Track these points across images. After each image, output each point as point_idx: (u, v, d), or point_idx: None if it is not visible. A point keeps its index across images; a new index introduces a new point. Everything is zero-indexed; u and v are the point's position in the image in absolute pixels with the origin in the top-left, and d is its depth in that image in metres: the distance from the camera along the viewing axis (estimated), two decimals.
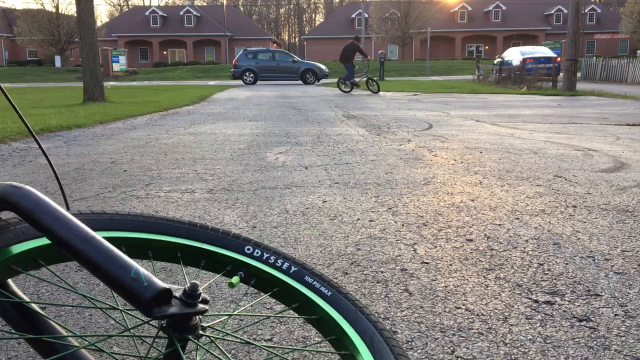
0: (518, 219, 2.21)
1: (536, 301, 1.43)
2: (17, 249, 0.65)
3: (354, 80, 14.34)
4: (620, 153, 3.89)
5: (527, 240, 1.93)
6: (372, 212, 2.34)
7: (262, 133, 5.35)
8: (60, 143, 4.76)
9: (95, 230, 0.66)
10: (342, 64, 14.48)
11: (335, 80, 25.49)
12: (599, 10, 51.07)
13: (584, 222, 2.15)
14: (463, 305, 1.41)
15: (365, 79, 13.89)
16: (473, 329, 1.28)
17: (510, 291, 1.50)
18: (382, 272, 1.65)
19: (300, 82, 23.39)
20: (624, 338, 1.24)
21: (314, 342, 1.24)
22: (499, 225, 2.13)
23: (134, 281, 0.56)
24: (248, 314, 1.36)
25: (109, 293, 1.49)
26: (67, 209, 0.68)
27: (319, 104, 9.80)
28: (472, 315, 1.35)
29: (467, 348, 1.20)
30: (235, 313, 0.80)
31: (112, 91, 14.31)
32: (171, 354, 0.62)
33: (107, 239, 0.63)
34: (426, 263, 1.72)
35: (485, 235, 2.00)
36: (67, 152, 4.19)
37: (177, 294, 0.59)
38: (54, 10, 41.92)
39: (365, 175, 3.13)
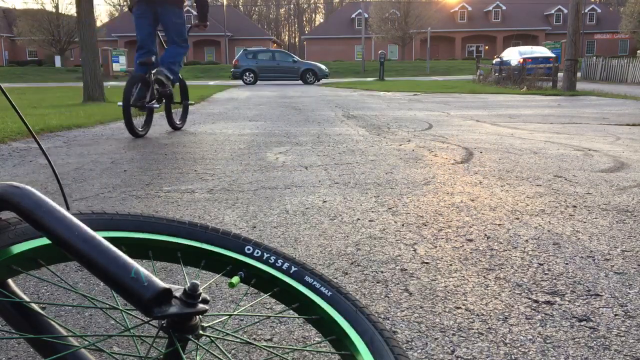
0: (518, 219, 2.21)
1: (536, 301, 1.43)
2: (17, 249, 0.65)
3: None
4: (620, 153, 3.89)
5: (527, 240, 1.93)
6: (372, 212, 2.34)
7: (262, 133, 5.35)
8: (60, 143, 4.76)
9: (95, 230, 0.66)
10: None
11: (336, 80, 25.52)
12: (599, 10, 51.07)
13: (584, 222, 2.15)
14: (463, 305, 1.41)
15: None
16: (473, 329, 1.28)
17: (510, 291, 1.50)
18: (382, 272, 1.65)
19: (300, 82, 23.40)
20: (624, 338, 1.24)
21: (314, 342, 1.24)
22: (499, 225, 2.13)
23: (134, 281, 0.56)
24: (248, 314, 1.36)
25: (109, 293, 1.49)
26: (67, 209, 0.68)
27: (318, 104, 9.80)
28: (472, 315, 1.35)
29: (467, 348, 1.20)
30: (235, 313, 0.80)
31: (112, 91, 14.31)
32: (171, 354, 0.62)
33: (107, 239, 0.63)
34: (426, 263, 1.72)
35: (485, 235, 2.00)
36: (67, 152, 4.19)
37: (177, 294, 0.59)
38: (54, 10, 41.92)
39: (365, 175, 3.13)
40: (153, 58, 4.77)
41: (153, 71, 4.84)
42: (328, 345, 0.78)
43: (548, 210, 2.34)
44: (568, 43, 12.79)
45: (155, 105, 4.99)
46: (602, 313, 1.36)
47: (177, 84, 5.21)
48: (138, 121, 4.97)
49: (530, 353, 1.18)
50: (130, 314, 0.70)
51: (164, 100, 5.16)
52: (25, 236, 0.66)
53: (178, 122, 5.59)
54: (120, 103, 4.70)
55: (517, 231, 2.04)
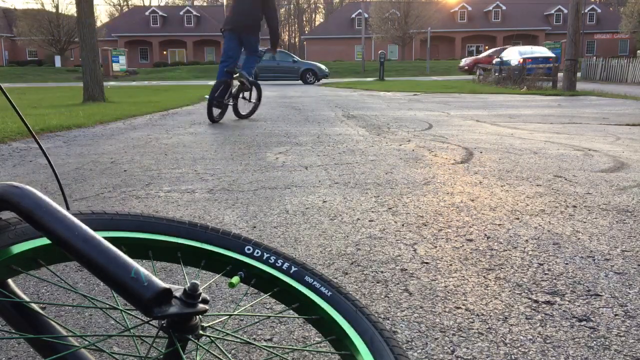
0: (518, 219, 2.21)
1: (536, 301, 1.43)
2: (17, 249, 0.65)
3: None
4: (620, 153, 3.89)
5: (527, 240, 1.93)
6: (372, 212, 2.34)
7: (262, 133, 5.35)
8: (60, 143, 4.76)
9: (95, 230, 0.66)
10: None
11: (336, 80, 25.52)
12: (599, 10, 51.07)
13: (584, 222, 2.15)
14: (463, 305, 1.41)
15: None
16: (473, 329, 1.28)
17: (510, 291, 1.50)
18: (382, 272, 1.65)
19: (300, 82, 23.40)
20: (624, 338, 1.24)
21: (314, 342, 1.24)
22: (499, 225, 2.13)
23: (134, 281, 0.56)
24: (248, 314, 1.36)
25: (109, 293, 1.49)
26: (67, 209, 0.68)
27: (318, 104, 9.80)
28: (472, 315, 1.35)
29: (467, 348, 1.20)
30: (235, 313, 0.80)
31: (112, 91, 14.31)
32: (171, 354, 0.62)
33: (107, 239, 0.63)
34: (426, 263, 1.72)
35: (485, 235, 2.00)
36: (67, 152, 4.19)
37: (177, 294, 0.59)
38: (54, 10, 41.92)
39: (365, 175, 3.13)
40: (235, 68, 6.31)
41: (236, 74, 6.28)
42: (328, 345, 0.78)
43: (548, 210, 2.34)
44: (568, 43, 12.79)
45: (230, 103, 6.48)
46: (602, 313, 1.36)
47: (254, 86, 6.72)
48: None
49: (530, 353, 1.18)
50: (130, 314, 0.70)
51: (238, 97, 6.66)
52: (25, 236, 0.66)
53: (243, 113, 6.84)
54: (207, 96, 6.33)
55: (517, 231, 2.04)
